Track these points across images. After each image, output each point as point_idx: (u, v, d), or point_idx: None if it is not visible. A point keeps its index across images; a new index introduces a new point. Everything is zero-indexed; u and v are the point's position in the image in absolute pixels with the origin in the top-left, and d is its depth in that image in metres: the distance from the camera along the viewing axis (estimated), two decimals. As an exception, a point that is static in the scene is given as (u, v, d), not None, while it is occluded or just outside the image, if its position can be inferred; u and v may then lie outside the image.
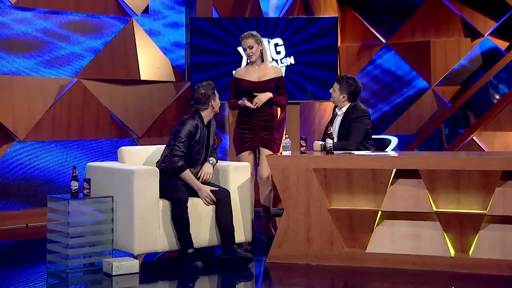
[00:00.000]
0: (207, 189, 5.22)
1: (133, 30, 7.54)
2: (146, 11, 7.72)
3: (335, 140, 5.60)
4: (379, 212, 5.06)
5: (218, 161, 5.49)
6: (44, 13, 7.04)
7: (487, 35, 8.48)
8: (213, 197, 5.21)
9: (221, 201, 5.23)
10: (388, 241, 5.04)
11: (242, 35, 5.99)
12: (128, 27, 7.54)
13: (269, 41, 7.46)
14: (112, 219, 5.07)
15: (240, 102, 5.96)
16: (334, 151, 5.29)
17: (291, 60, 7.49)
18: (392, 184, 5.03)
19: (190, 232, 5.07)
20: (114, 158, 6.76)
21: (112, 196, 5.08)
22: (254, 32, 5.97)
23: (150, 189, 5.00)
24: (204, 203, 5.22)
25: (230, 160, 7.03)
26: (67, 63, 7.21)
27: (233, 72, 6.23)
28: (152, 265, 5.32)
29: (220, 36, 7.44)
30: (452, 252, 4.93)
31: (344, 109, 5.70)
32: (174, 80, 7.91)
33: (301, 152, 5.34)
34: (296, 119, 7.62)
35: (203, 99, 5.29)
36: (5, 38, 6.80)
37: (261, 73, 5.98)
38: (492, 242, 4.82)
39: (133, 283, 4.78)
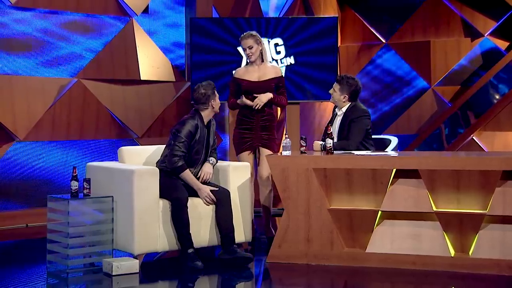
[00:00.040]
0: (207, 189, 5.22)
1: (133, 30, 7.53)
2: (146, 11, 7.72)
3: (335, 140, 5.59)
4: (379, 212, 5.06)
5: (218, 161, 5.49)
6: (44, 13, 7.04)
7: (487, 35, 8.47)
8: (213, 197, 5.21)
9: (221, 201, 5.23)
10: (388, 241, 5.04)
11: (242, 35, 5.99)
12: (128, 27, 7.53)
13: (269, 41, 7.46)
14: (112, 219, 5.07)
15: (239, 101, 5.96)
16: (334, 151, 5.28)
17: (291, 60, 7.49)
18: (392, 184, 5.03)
19: (190, 232, 5.07)
20: (114, 158, 6.76)
21: (112, 196, 5.08)
22: (254, 32, 5.97)
23: (150, 189, 5.00)
24: (204, 203, 5.22)
25: (230, 160, 7.02)
26: (67, 63, 7.21)
27: (233, 72, 6.23)
28: (152, 265, 5.31)
29: (220, 36, 7.43)
30: (452, 252, 4.93)
31: (344, 109, 5.70)
32: (174, 80, 7.90)
33: (301, 152, 5.34)
34: (296, 119, 7.61)
35: (203, 99, 5.29)
36: (5, 38, 6.80)
37: (261, 73, 5.98)
38: (492, 242, 4.82)
39: (133, 283, 4.78)
